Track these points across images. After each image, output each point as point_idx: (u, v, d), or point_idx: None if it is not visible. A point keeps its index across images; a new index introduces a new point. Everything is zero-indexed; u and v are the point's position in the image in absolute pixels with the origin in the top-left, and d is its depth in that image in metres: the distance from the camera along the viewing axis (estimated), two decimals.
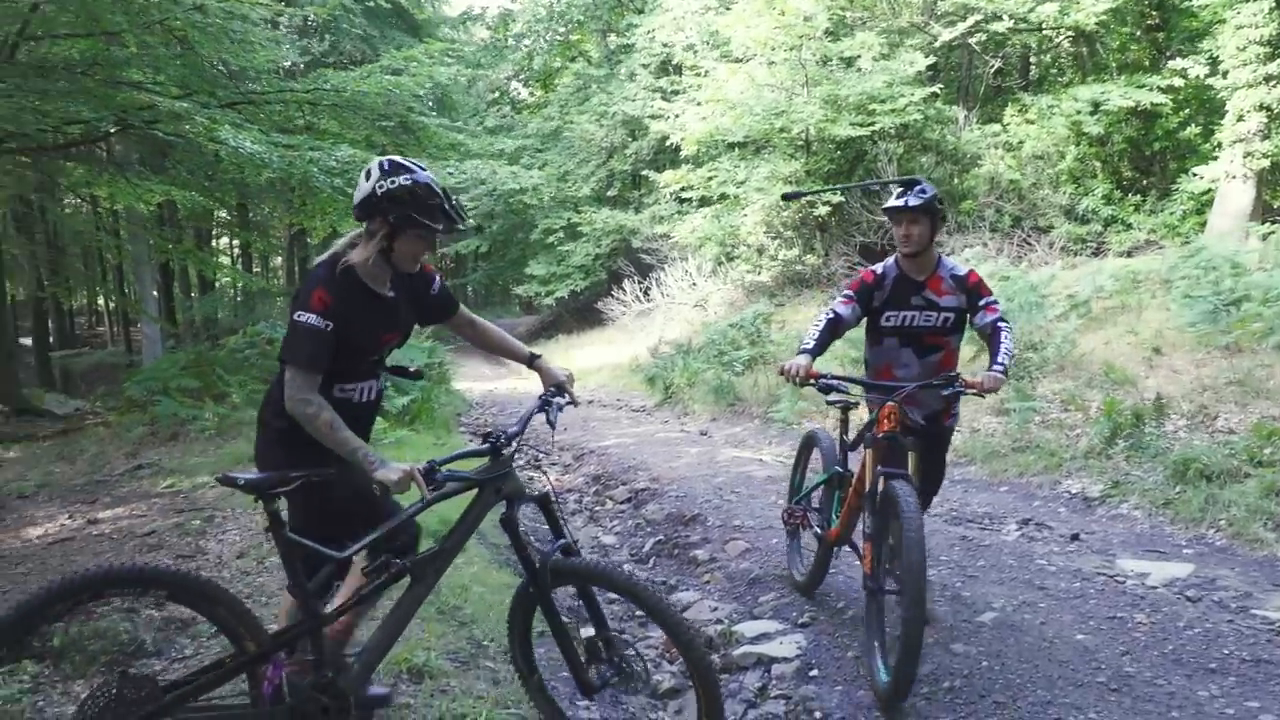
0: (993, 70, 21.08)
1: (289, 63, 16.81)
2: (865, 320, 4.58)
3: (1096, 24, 18.15)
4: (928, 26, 19.71)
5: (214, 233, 28.58)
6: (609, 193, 30.14)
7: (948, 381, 4.24)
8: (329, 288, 2.99)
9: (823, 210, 19.02)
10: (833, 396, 4.41)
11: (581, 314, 31.45)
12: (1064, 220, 17.70)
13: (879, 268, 4.59)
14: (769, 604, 5.29)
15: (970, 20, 18.62)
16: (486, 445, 3.09)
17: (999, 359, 4.25)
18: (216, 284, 28.82)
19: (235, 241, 32.31)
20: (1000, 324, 4.38)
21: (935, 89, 19.26)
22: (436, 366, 15.22)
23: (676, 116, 21.80)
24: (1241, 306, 9.39)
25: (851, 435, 4.74)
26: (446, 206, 3.03)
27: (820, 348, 4.33)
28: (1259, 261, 11.58)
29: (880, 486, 3.99)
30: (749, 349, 14.11)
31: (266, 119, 11.77)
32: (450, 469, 2.95)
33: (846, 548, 4.77)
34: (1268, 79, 14.71)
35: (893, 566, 3.84)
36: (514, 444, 3.12)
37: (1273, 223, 14.74)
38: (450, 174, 13.60)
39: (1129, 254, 16.13)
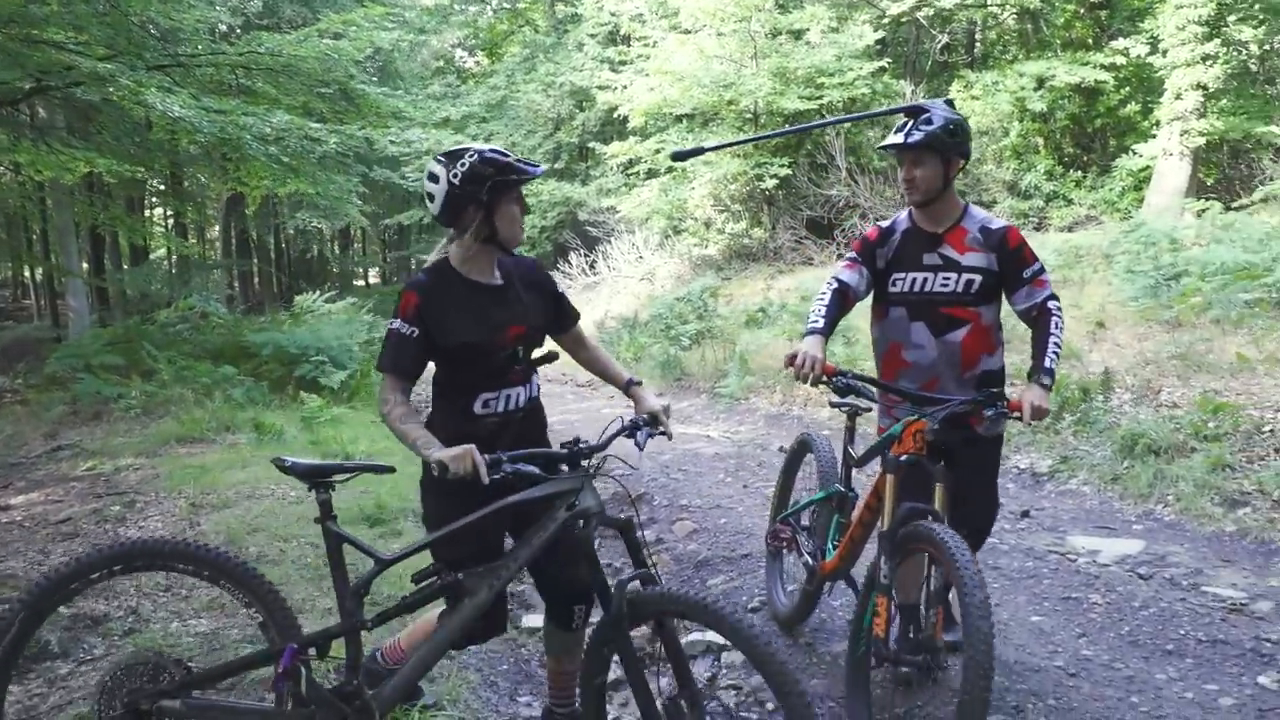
0: (939, 46, 21.11)
1: (223, 25, 16.27)
2: (876, 287, 3.63)
3: (1041, 1, 18.21)
4: (876, 0, 19.66)
5: (146, 201, 27.76)
6: (556, 165, 29.76)
7: (989, 401, 3.27)
8: (419, 290, 2.90)
9: (770, 184, 18.95)
10: (847, 399, 3.53)
11: None
12: (1007, 195, 17.83)
13: (888, 220, 3.66)
14: (718, 588, 5.13)
15: None
16: (565, 451, 2.78)
17: (1046, 364, 3.33)
18: (150, 254, 27.97)
19: (169, 212, 31.39)
20: (1052, 305, 3.44)
21: (883, 63, 19.23)
22: (377, 341, 14.89)
23: (624, 88, 21.54)
24: (1181, 281, 9.49)
25: (859, 448, 3.84)
26: (515, 160, 2.90)
27: (831, 325, 3.44)
28: (1195, 237, 11.76)
29: (902, 525, 3.16)
30: (696, 323, 13.99)
31: (198, 82, 11.32)
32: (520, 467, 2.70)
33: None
34: (1205, 58, 14.92)
35: (943, 626, 3.08)
36: (596, 458, 2.83)
37: (1206, 199, 15.00)
38: (392, 143, 13.25)
39: (1070, 229, 16.32)
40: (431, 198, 2.91)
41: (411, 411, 2.80)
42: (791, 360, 3.29)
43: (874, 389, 3.48)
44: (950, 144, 3.35)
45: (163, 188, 23.09)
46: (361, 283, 48.48)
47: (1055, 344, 3.38)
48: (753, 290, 16.75)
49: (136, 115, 10.68)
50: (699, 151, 4.21)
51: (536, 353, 3.11)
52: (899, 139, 3.38)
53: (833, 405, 3.85)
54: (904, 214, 3.62)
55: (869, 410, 3.80)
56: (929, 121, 3.35)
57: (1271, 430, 5.99)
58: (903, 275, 3.50)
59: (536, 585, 3.23)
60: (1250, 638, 3.86)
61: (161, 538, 2.85)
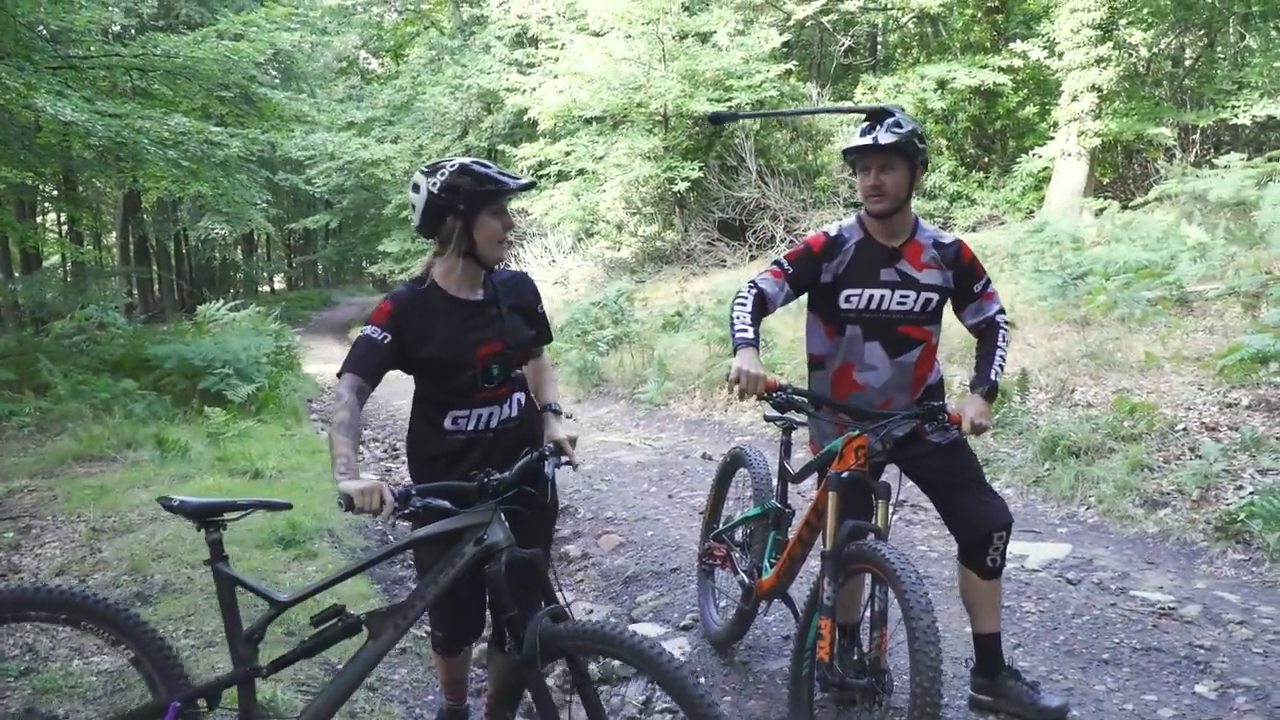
0: (842, 49, 21.40)
1: (117, 26, 15.64)
2: (818, 299, 3.39)
3: (940, 6, 18.59)
4: (781, 3, 19.82)
5: (38, 208, 26.56)
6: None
7: (930, 415, 3.22)
8: (395, 300, 2.91)
9: (681, 186, 18.97)
10: (777, 413, 3.41)
11: None
12: (913, 196, 18.13)
13: (835, 228, 3.37)
14: (648, 605, 5.00)
15: None
16: (474, 484, 2.67)
17: (990, 375, 3.28)
18: (43, 261, 26.73)
19: (62, 218, 30.07)
20: (1000, 318, 3.36)
21: (790, 66, 19.41)
22: (284, 350, 14.46)
23: (533, 90, 21.34)
24: (1086, 280, 9.71)
25: (794, 463, 3.71)
26: (496, 173, 2.89)
27: (758, 334, 3.23)
28: (1096, 236, 12.06)
29: (845, 545, 3.02)
30: (613, 328, 13.88)
31: (91, 85, 10.85)
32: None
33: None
34: (1099, 61, 15.37)
35: (874, 653, 2.99)
36: (504, 492, 2.72)
37: (1104, 199, 15.48)
38: (297, 147, 12.88)
39: (974, 229, 16.67)
40: (414, 208, 2.91)
41: (355, 423, 2.71)
42: (731, 378, 3.11)
43: (811, 404, 3.33)
44: (919, 150, 3.18)
45: (55, 193, 22.10)
46: (267, 289, 47.33)
47: (1001, 357, 3.32)
48: (667, 293, 16.73)
49: (24, 119, 10.15)
50: (730, 117, 4.13)
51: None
52: (867, 141, 3.15)
53: (768, 419, 3.75)
54: (851, 223, 3.37)
55: (805, 424, 3.63)
56: (899, 125, 3.13)
57: (1185, 429, 6.11)
58: (857, 292, 3.27)
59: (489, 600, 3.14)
60: (1183, 644, 3.89)
61: (15, 585, 2.64)
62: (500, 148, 25.76)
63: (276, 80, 17.42)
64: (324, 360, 18.86)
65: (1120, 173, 18.38)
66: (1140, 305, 8.63)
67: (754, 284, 3.34)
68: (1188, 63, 18.77)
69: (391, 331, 2.83)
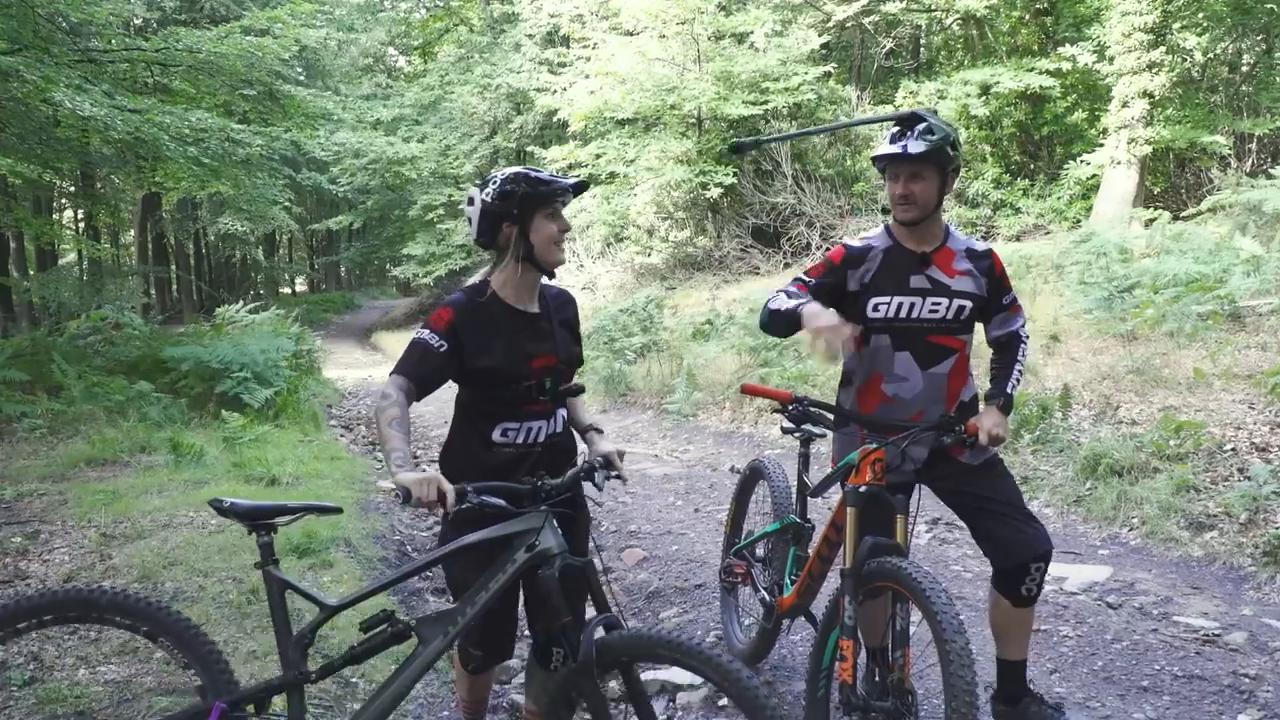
0: (884, 52, 21.05)
1: (138, 20, 15.62)
2: (847, 310, 3.18)
3: (986, 8, 18.21)
4: (821, 4, 19.52)
5: (55, 204, 26.60)
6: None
7: (946, 425, 3.08)
8: (456, 307, 2.91)
9: (714, 191, 18.73)
10: (793, 425, 3.31)
11: None
12: (954, 203, 17.75)
13: (857, 240, 3.27)
14: (670, 621, 4.88)
15: None
16: (528, 487, 2.64)
17: (1007, 388, 3.20)
18: (59, 258, 26.76)
19: (80, 215, 30.15)
20: (1023, 332, 3.29)
21: (829, 68, 19.10)
22: (305, 354, 14.32)
23: (564, 90, 21.21)
24: (1134, 293, 9.38)
25: (813, 477, 3.64)
26: (547, 176, 2.91)
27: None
28: (1145, 248, 11.72)
29: (866, 562, 2.90)
30: (641, 336, 13.64)
31: (111, 79, 10.76)
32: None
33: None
34: (1151, 66, 14.94)
35: (897, 676, 2.88)
36: (557, 496, 2.70)
37: (1155, 209, 15.01)
38: (320, 145, 12.76)
39: (1018, 238, 16.29)
40: (470, 221, 2.93)
41: (405, 418, 2.71)
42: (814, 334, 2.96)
43: (833, 418, 3.26)
44: (951, 157, 3.05)
45: (73, 189, 22.18)
46: (288, 290, 47.46)
47: (1019, 370, 3.25)
48: (698, 300, 16.50)
49: (42, 114, 10.07)
50: (752, 144, 3.99)
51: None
52: (896, 149, 3.02)
53: (785, 431, 3.60)
54: (878, 232, 3.28)
55: (824, 435, 3.55)
56: (930, 131, 3.01)
57: (1233, 449, 5.91)
58: (885, 300, 3.15)
59: (526, 612, 3.13)
60: (1227, 672, 3.74)
61: (100, 587, 2.70)
62: (529, 149, 25.61)
63: (301, 77, 17.37)
64: (345, 365, 18.79)
65: (1172, 182, 17.84)
66: (1190, 320, 8.37)
67: (782, 290, 3.23)
68: (1244, 69, 18.20)
69: (449, 340, 2.82)
